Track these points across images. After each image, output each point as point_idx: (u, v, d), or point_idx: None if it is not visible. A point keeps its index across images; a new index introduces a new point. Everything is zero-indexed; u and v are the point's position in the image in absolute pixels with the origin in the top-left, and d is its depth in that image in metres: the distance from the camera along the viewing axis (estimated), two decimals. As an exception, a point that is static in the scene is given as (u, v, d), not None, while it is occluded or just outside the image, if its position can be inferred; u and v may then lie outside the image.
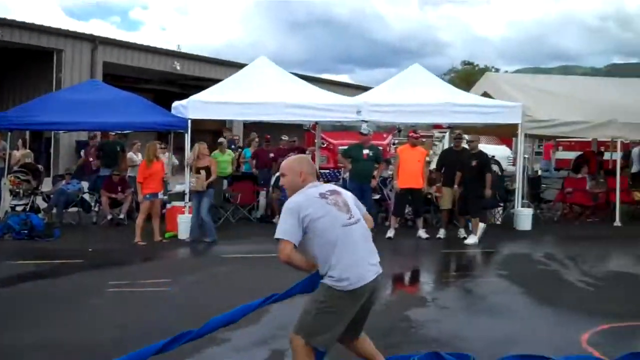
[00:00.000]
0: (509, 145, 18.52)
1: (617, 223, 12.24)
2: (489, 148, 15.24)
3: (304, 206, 3.73)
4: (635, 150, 14.70)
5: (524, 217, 11.87)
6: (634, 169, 14.47)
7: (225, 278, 7.92)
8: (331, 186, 4.09)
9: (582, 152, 16.66)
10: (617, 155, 13.35)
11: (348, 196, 3.99)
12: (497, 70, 50.63)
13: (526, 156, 14.03)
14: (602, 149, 16.99)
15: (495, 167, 14.73)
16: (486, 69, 43.65)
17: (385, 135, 18.17)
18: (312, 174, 3.99)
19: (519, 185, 12.34)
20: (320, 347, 3.75)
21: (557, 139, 22.73)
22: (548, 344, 5.05)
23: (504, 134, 15.79)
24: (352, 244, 3.74)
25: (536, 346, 4.92)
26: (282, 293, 3.93)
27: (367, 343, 4.12)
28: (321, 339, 3.73)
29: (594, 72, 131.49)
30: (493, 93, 13.26)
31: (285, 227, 3.68)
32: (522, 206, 12.35)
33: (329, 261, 3.68)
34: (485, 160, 10.83)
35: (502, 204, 12.89)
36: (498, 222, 12.63)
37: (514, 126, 12.22)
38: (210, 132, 19.08)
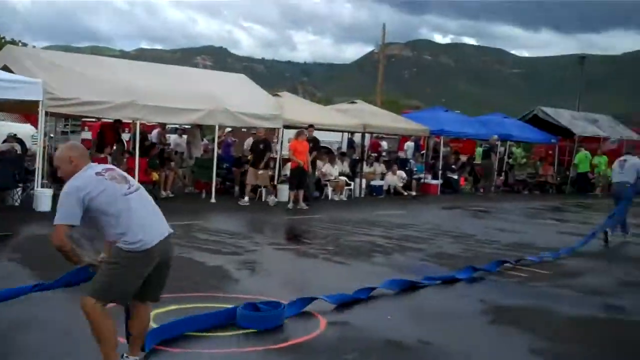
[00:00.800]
0: (35, 124, 18.00)
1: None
2: (14, 126, 14.60)
3: (81, 187, 3.89)
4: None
5: (44, 197, 11.77)
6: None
7: None
8: (106, 165, 4.36)
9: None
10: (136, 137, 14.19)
11: (118, 170, 4.22)
12: (25, 44, 47.52)
13: (52, 135, 13.84)
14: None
15: (17, 146, 14.25)
16: (13, 43, 40.68)
17: None
18: (82, 156, 4.10)
19: (39, 165, 12.21)
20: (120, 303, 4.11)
21: (83, 119, 23.01)
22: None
23: (26, 110, 15.32)
24: (138, 209, 4.02)
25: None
26: (49, 282, 4.10)
27: (145, 314, 4.35)
28: (114, 295, 3.98)
29: (123, 54, 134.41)
30: (14, 68, 12.73)
31: (63, 212, 3.85)
32: (43, 186, 12.26)
33: (119, 229, 3.91)
34: None
35: (21, 185, 12.53)
36: (17, 204, 12.26)
37: (36, 103, 12.03)
38: None
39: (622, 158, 12.94)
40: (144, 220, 4.05)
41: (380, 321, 6.13)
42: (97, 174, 4.03)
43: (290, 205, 14.77)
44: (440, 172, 21.62)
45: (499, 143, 23.33)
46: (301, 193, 14.97)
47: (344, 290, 6.66)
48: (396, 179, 19.47)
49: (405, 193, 19.22)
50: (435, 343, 5.56)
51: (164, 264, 4.19)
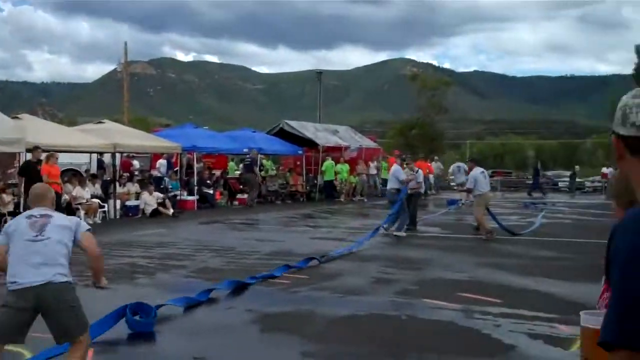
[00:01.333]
0: None
1: None
2: None
3: (10, 223, 4.72)
4: None
5: None
6: None
7: None
8: (48, 211, 4.65)
9: None
10: None
11: (55, 222, 4.52)
12: None
13: None
14: None
15: None
16: None
17: None
18: (37, 201, 4.72)
19: None
20: None
21: None
22: None
23: None
24: (27, 255, 4.31)
25: None
26: None
27: None
28: None
29: None
30: None
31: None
32: None
33: (10, 266, 4.33)
34: None
35: None
36: None
37: None
38: None
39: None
40: (26, 264, 4.30)
41: (158, 341, 5.98)
42: (29, 216, 4.60)
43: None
44: (195, 187, 21.56)
45: (259, 156, 23.98)
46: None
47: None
48: (153, 198, 19.02)
49: (165, 211, 18.86)
50: (209, 358, 5.52)
51: (44, 309, 4.31)
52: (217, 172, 25.38)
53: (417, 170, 16.10)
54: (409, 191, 14.90)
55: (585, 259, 10.87)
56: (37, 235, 4.39)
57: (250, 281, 8.48)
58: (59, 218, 4.68)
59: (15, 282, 4.21)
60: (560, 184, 41.90)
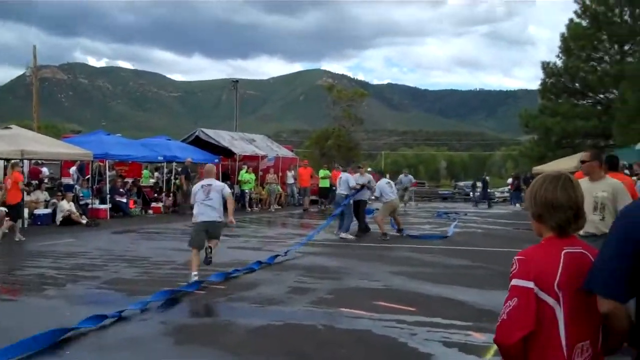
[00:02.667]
0: None
1: None
2: None
3: (196, 188, 10.08)
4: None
5: None
6: None
7: None
8: (210, 181, 9.98)
9: None
10: None
11: (216, 188, 9.85)
12: None
13: None
14: None
15: None
16: None
17: None
18: (208, 174, 10.32)
19: None
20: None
21: None
22: None
23: None
24: (203, 207, 9.68)
25: None
26: None
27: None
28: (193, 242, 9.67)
29: None
30: None
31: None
32: None
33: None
34: None
35: None
36: None
37: None
38: None
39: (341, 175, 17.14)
40: (202, 211, 9.71)
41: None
42: (202, 186, 9.87)
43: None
44: (108, 196, 20.95)
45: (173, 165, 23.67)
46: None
47: (19, 333, 6.03)
48: (69, 205, 18.34)
49: (79, 220, 18.20)
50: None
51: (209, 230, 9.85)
52: (130, 180, 24.83)
53: (370, 179, 17.19)
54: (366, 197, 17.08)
55: (496, 267, 11.20)
56: (205, 199, 9.67)
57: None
58: (216, 185, 9.93)
59: (196, 219, 9.81)
60: (471, 195, 43.20)
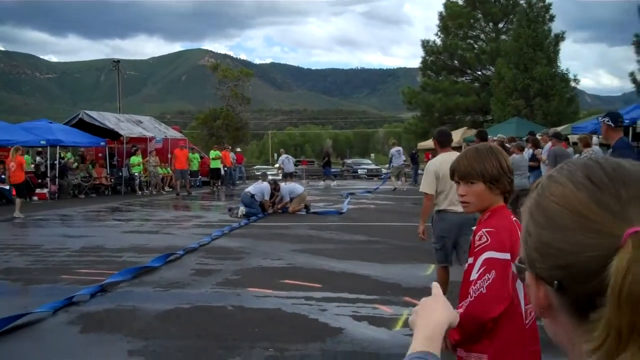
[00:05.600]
0: None
1: None
2: None
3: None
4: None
5: None
6: None
7: None
8: None
9: None
10: None
11: None
12: None
13: None
14: None
15: None
16: None
17: None
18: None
19: None
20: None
21: None
22: None
23: None
24: None
25: None
26: None
27: None
28: None
29: None
30: None
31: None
32: None
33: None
34: None
35: None
36: None
37: None
38: None
39: None
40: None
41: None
42: None
43: None
44: (-14, 183, 19.81)
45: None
46: None
47: None
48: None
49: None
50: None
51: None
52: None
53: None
54: None
55: (393, 241, 11.56)
56: None
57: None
58: None
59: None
60: (359, 172, 44.07)
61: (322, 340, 5.95)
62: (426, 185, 6.73)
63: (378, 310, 6.78)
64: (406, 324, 6.25)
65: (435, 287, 1.64)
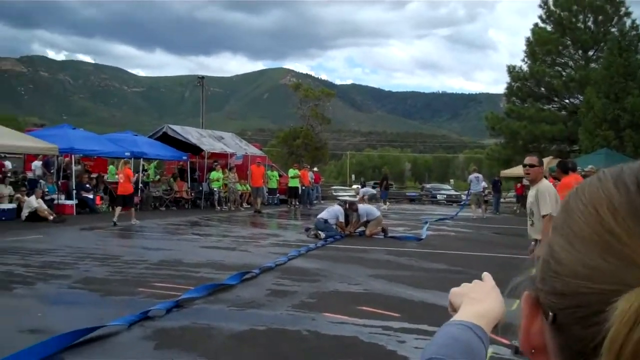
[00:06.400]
0: None
1: None
2: None
3: None
4: None
5: None
6: None
7: None
8: None
9: None
10: None
11: None
12: None
13: None
14: None
15: None
16: None
17: None
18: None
19: None
20: None
21: None
22: None
23: None
24: None
25: None
26: None
27: None
28: None
29: None
30: None
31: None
32: None
33: None
34: None
35: None
36: None
37: None
38: None
39: None
40: None
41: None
42: None
43: None
44: (74, 191, 20.41)
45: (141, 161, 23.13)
46: None
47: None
48: (37, 202, 17.79)
49: (46, 217, 17.66)
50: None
51: None
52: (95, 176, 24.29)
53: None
54: None
55: (475, 272, 11.08)
56: None
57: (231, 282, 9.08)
58: None
59: None
60: (438, 197, 43.35)
61: (400, 374, 5.67)
62: (549, 207, 6.41)
63: (460, 346, 6.41)
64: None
65: (489, 277, 1.31)
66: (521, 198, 30.58)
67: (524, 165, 6.64)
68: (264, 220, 22.43)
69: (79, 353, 5.78)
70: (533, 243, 6.88)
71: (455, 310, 1.16)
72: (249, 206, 27.06)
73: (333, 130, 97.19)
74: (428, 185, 52.42)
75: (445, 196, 43.01)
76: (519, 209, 31.53)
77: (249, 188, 27.75)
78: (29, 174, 22.65)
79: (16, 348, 5.51)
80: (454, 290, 1.22)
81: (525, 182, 22.64)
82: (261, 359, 5.86)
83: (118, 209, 17.87)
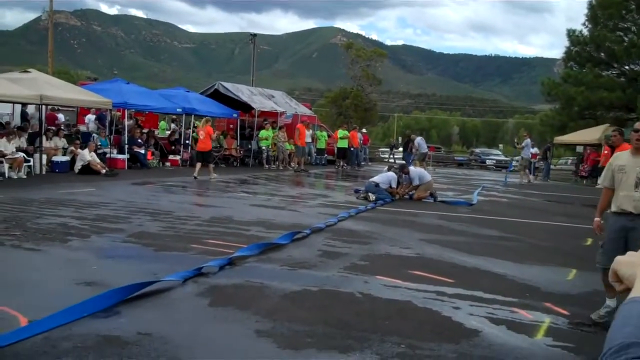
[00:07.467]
0: None
1: None
2: None
3: None
4: None
5: None
6: None
7: None
8: None
9: None
10: None
11: None
12: None
13: None
14: None
15: None
16: None
17: None
18: None
19: None
20: None
21: None
22: None
23: None
24: None
25: None
26: None
27: None
28: None
29: None
30: None
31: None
32: None
33: None
34: None
35: None
36: None
37: None
38: None
39: None
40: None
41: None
42: None
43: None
44: (126, 146, 20.66)
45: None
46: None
47: (46, 286, 5.76)
48: (90, 156, 18.07)
49: (99, 170, 17.95)
50: (155, 333, 5.05)
51: None
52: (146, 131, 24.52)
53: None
54: None
55: (528, 240, 10.89)
56: None
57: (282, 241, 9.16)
58: None
59: None
60: (487, 162, 42.68)
61: (456, 342, 5.53)
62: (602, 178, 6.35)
63: (517, 315, 6.28)
64: (548, 333, 5.75)
65: None
66: (594, 170, 28.10)
67: (636, 130, 6.04)
68: (312, 180, 22.39)
69: (135, 307, 5.82)
70: (598, 219, 6.59)
71: (618, 281, 1.07)
72: (297, 166, 27.06)
73: (382, 91, 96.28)
74: (477, 150, 51.57)
75: (494, 161, 42.31)
76: (577, 179, 30.81)
77: (291, 148, 27.73)
78: (82, 127, 22.98)
79: (73, 300, 5.57)
80: (619, 259, 1.14)
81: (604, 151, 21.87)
82: (315, 320, 5.79)
83: (198, 165, 18.93)
